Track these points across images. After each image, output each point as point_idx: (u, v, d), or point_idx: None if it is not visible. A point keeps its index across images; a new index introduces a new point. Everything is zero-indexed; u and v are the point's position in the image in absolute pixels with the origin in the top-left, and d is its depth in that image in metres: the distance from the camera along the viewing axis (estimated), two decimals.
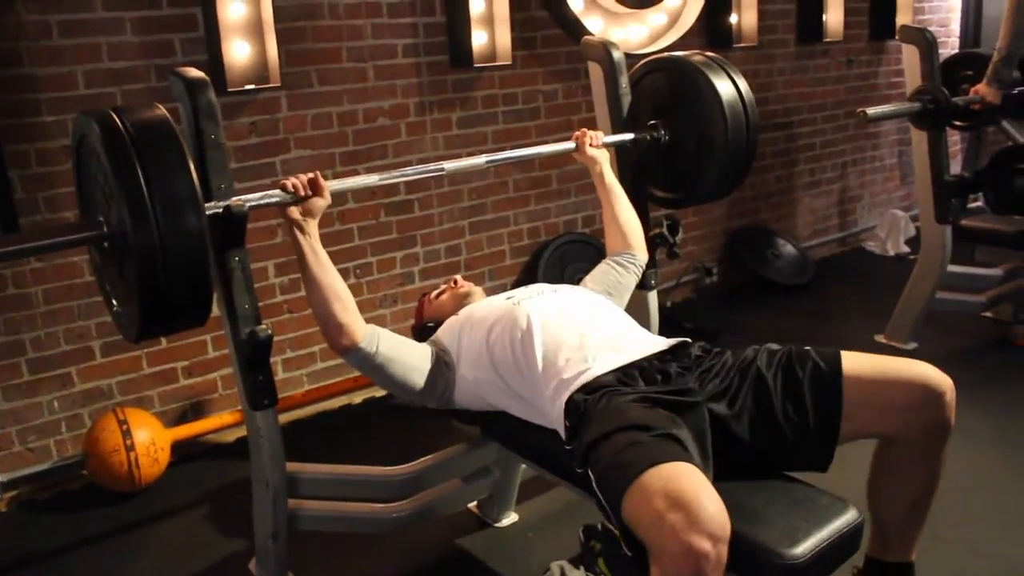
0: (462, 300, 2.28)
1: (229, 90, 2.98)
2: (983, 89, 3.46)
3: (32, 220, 2.75)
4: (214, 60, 2.95)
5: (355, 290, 3.41)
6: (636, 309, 2.75)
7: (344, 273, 3.37)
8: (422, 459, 2.30)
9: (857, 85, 5.30)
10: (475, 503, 2.60)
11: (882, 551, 1.88)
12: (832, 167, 5.32)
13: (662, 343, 1.98)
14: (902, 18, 5.22)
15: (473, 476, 2.37)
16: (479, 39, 3.51)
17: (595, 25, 3.83)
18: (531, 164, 3.89)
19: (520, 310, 2.01)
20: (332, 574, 2.39)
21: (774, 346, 1.89)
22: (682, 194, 2.76)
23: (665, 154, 2.64)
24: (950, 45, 5.90)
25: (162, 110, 1.69)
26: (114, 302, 1.83)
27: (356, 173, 3.37)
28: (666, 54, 2.80)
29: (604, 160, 2.50)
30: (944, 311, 3.77)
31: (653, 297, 2.80)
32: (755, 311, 4.33)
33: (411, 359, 2.01)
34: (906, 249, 5.23)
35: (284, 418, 3.16)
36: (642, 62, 2.75)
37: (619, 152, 2.68)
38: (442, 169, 2.30)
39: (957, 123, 3.78)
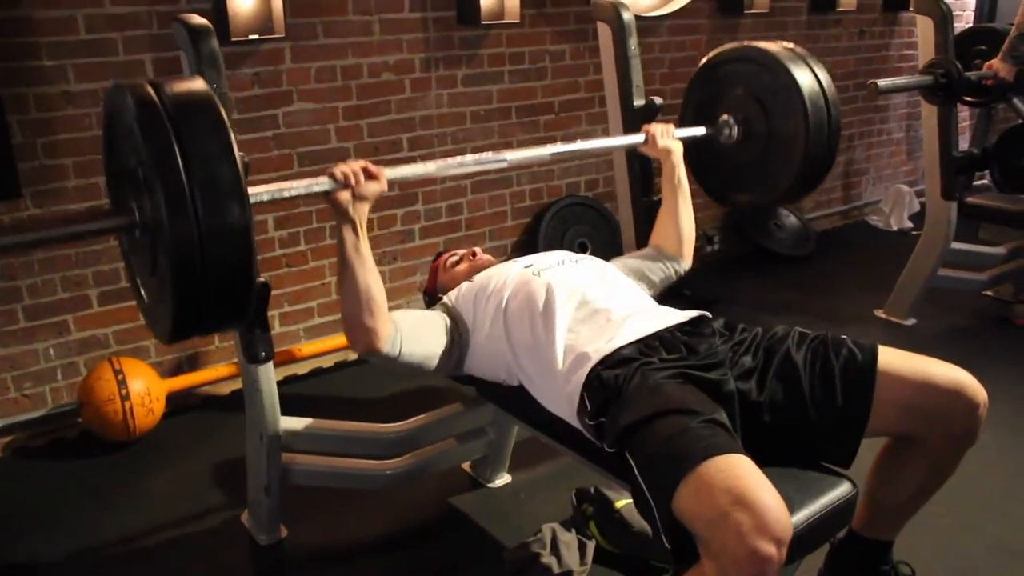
0: (479, 272, 2.16)
1: (233, 39, 2.93)
2: (997, 64, 3.41)
3: (31, 165, 2.72)
4: (218, 8, 2.90)
5: None
6: None
7: None
8: (417, 417, 2.30)
9: (868, 56, 5.23)
10: (469, 463, 2.60)
11: (867, 527, 1.86)
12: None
13: (682, 315, 1.90)
14: None
15: (468, 436, 2.38)
16: None
17: None
18: (535, 125, 3.85)
19: (540, 281, 1.93)
20: (324, 528, 2.40)
21: (804, 329, 1.82)
22: (754, 195, 2.62)
23: (737, 151, 2.52)
24: (965, 19, 5.82)
25: (203, 84, 1.53)
26: (144, 295, 1.67)
27: (359, 128, 3.34)
28: (742, 44, 2.60)
29: (678, 152, 2.34)
30: (945, 288, 3.76)
31: None
32: (755, 281, 4.32)
33: (430, 347, 1.93)
34: (909, 224, 5.21)
35: (280, 372, 3.16)
36: (715, 51, 2.61)
37: (686, 149, 2.48)
38: (504, 160, 2.16)
39: (968, 99, 3.74)
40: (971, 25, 5.64)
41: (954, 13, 3.45)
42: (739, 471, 1.37)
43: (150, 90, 1.44)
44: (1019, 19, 3.32)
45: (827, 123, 2.38)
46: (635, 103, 2.64)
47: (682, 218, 2.32)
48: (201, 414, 3.07)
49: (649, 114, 2.63)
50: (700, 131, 2.50)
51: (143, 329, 3.06)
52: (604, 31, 2.67)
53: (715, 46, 2.48)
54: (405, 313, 1.94)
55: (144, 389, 2.79)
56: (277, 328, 3.33)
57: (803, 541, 1.51)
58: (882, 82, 3.15)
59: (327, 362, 3.44)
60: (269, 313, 2.00)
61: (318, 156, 3.26)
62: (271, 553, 2.30)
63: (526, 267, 2.04)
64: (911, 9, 3.73)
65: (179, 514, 2.48)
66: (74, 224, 1.66)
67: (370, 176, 1.78)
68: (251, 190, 1.55)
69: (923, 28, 3.40)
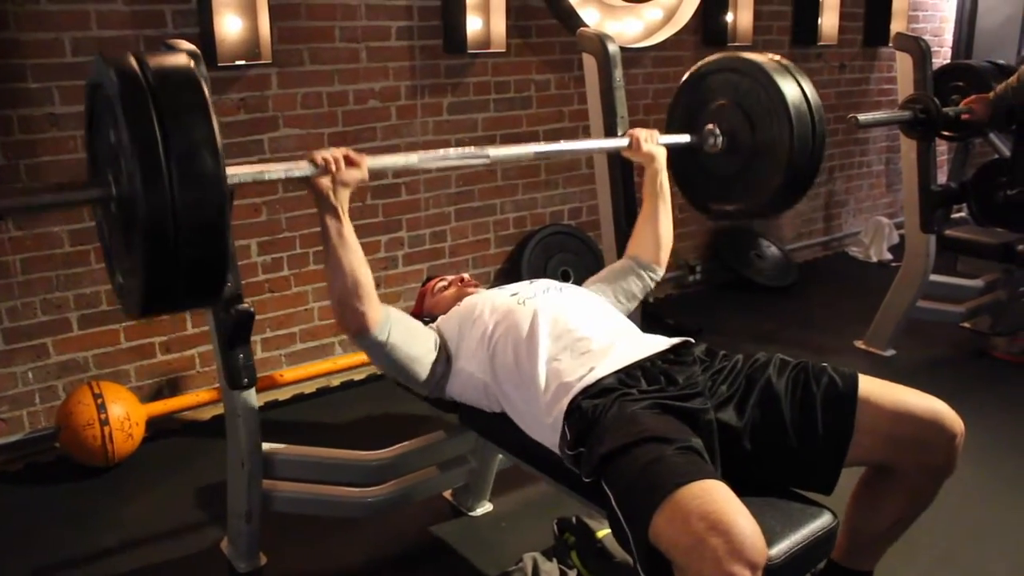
0: (465, 299, 2.17)
1: (220, 64, 2.95)
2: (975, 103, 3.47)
3: (12, 188, 2.71)
4: (205, 34, 2.92)
5: None
6: None
7: None
8: (399, 445, 2.29)
9: (849, 90, 5.32)
10: (450, 491, 2.59)
11: (847, 558, 1.87)
12: (819, 171, 5.32)
13: (664, 343, 1.92)
14: (896, 25, 5.24)
15: (449, 464, 2.37)
16: (474, 25, 3.49)
17: (591, 17, 3.82)
18: None
19: (525, 310, 1.94)
20: (304, 556, 2.38)
21: (786, 357, 1.84)
22: (737, 205, 2.58)
23: (722, 161, 2.51)
24: (942, 55, 5.93)
25: (187, 59, 1.50)
26: (118, 275, 1.65)
27: None
28: (729, 54, 2.57)
29: (661, 157, 2.34)
30: (923, 320, 3.79)
31: None
32: (737, 311, 4.34)
33: (418, 349, 1.95)
34: (889, 256, 5.26)
35: (261, 398, 3.14)
36: (702, 62, 2.61)
37: (670, 158, 2.46)
38: (487, 156, 2.11)
39: (946, 133, 3.79)
40: (948, 61, 5.74)
41: (932, 50, 3.51)
42: (714, 496, 1.38)
43: (133, 63, 1.44)
44: (1016, 76, 3.34)
45: (811, 133, 2.39)
46: (619, 133, 2.67)
47: (661, 224, 2.33)
48: (181, 440, 3.04)
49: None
50: (684, 138, 2.51)
51: (124, 353, 3.04)
52: (589, 62, 2.70)
53: None
54: (398, 311, 1.95)
55: (124, 414, 2.77)
56: (259, 354, 3.31)
57: (784, 572, 1.51)
58: (862, 116, 3.20)
59: (309, 388, 3.42)
60: (251, 339, 2.00)
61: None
62: None
63: (512, 295, 2.04)
64: (891, 45, 3.79)
65: (157, 541, 2.45)
66: (51, 192, 1.63)
67: (351, 163, 1.80)
68: (230, 171, 1.54)
69: (902, 64, 3.46)
